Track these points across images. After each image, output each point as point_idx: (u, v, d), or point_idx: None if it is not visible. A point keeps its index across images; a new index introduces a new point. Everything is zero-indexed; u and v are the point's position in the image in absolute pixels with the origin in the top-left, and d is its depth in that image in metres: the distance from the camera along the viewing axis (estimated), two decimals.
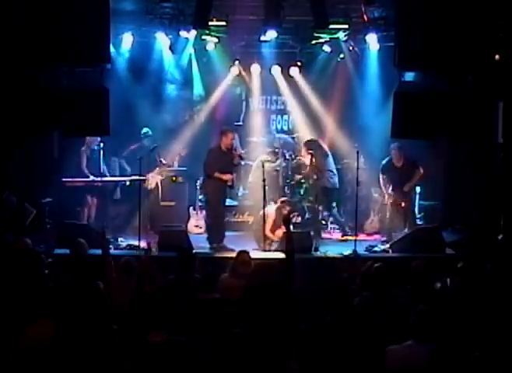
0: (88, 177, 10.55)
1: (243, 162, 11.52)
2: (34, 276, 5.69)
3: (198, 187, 11.06)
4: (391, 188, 10.55)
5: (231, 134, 10.26)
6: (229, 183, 10.16)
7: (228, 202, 11.86)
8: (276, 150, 11.64)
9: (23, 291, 5.16)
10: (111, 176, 10.83)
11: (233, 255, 7.11)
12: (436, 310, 4.98)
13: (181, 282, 6.38)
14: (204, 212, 10.87)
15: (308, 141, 11.32)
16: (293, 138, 12.39)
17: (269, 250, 9.55)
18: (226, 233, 10.81)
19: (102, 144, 10.48)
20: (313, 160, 10.61)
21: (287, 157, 11.85)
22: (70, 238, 9.22)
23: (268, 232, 9.85)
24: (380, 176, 10.68)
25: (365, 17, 9.87)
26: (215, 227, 10.18)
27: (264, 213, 9.67)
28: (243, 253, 6.84)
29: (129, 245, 9.73)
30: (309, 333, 5.07)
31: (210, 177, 10.02)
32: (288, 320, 5.51)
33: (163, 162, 11.02)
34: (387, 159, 10.53)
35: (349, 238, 10.68)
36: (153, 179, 10.95)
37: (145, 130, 11.18)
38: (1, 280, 5.59)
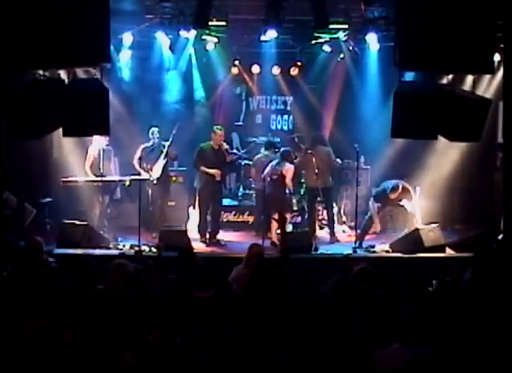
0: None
1: (242, 161, 11.61)
2: (36, 275, 5.73)
3: (194, 185, 10.97)
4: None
5: (220, 131, 10.60)
6: (218, 178, 10.52)
7: (228, 202, 11.91)
8: (272, 139, 11.71)
9: (24, 290, 5.17)
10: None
11: (230, 253, 7.61)
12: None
13: (181, 281, 6.40)
14: None
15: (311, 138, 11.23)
16: (293, 138, 12.39)
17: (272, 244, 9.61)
18: (226, 233, 10.88)
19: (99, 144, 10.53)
20: (314, 160, 10.52)
21: None
22: (70, 238, 9.28)
23: (288, 181, 10.20)
24: (372, 203, 10.27)
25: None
26: (203, 221, 10.52)
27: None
28: (256, 246, 7.18)
29: (129, 245, 9.73)
30: (311, 333, 5.09)
31: (198, 171, 10.51)
32: (287, 319, 5.53)
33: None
34: (382, 189, 10.18)
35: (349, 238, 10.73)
36: (159, 167, 10.63)
37: (153, 129, 10.86)
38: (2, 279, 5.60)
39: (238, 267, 7.07)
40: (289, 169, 10.34)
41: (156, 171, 10.57)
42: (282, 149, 10.81)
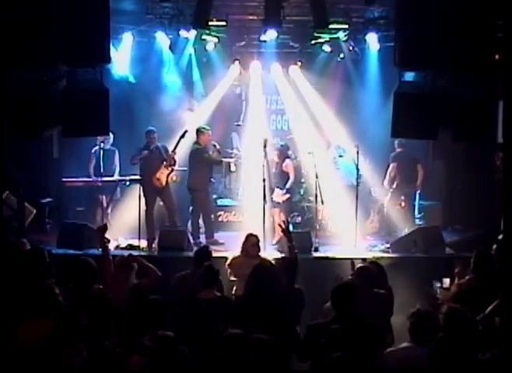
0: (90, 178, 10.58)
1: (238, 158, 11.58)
2: (37, 274, 5.73)
3: (186, 185, 10.52)
4: (396, 183, 10.67)
5: (208, 131, 10.55)
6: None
7: (228, 202, 11.90)
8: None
9: (25, 289, 5.17)
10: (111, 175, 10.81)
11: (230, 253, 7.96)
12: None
13: (191, 278, 6.44)
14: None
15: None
16: (293, 138, 12.39)
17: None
18: (226, 233, 10.85)
19: (102, 144, 10.51)
20: None
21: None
22: (70, 238, 9.28)
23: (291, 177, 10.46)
24: (390, 166, 10.93)
25: None
26: (196, 222, 10.39)
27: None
28: (252, 236, 7.53)
29: (129, 245, 9.74)
30: (310, 332, 5.09)
31: (199, 171, 10.27)
32: (288, 320, 5.53)
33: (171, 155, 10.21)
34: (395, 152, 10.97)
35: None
36: (163, 176, 10.14)
37: (151, 132, 10.47)
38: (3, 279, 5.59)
39: (236, 256, 7.55)
40: (288, 165, 10.48)
41: (162, 180, 10.12)
42: (280, 144, 10.93)
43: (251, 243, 7.47)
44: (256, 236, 7.62)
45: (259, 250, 7.54)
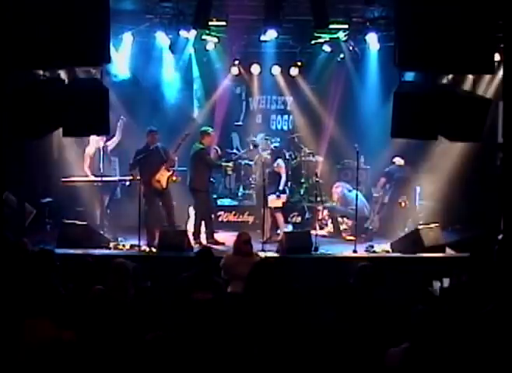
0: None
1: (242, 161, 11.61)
2: (44, 275, 5.74)
3: (188, 186, 10.49)
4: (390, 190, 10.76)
5: (213, 133, 10.71)
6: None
7: (228, 202, 11.91)
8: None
9: (28, 289, 5.18)
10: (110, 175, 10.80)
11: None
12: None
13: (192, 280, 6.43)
14: None
15: None
16: (293, 138, 12.42)
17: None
18: (226, 233, 10.86)
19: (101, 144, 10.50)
20: None
21: (287, 157, 11.88)
22: (70, 238, 9.28)
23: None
24: (380, 180, 11.09)
25: None
26: (199, 223, 10.36)
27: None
28: (244, 234, 7.55)
29: (129, 245, 9.74)
30: (309, 333, 5.09)
31: (202, 171, 10.31)
32: (288, 320, 5.52)
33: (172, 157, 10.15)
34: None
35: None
36: (163, 178, 10.10)
37: (151, 128, 10.48)
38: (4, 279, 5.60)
39: (228, 255, 7.51)
40: (279, 165, 10.54)
41: (162, 182, 10.08)
42: (274, 145, 10.95)
43: (242, 240, 7.41)
44: (247, 233, 7.60)
45: (251, 247, 7.46)
